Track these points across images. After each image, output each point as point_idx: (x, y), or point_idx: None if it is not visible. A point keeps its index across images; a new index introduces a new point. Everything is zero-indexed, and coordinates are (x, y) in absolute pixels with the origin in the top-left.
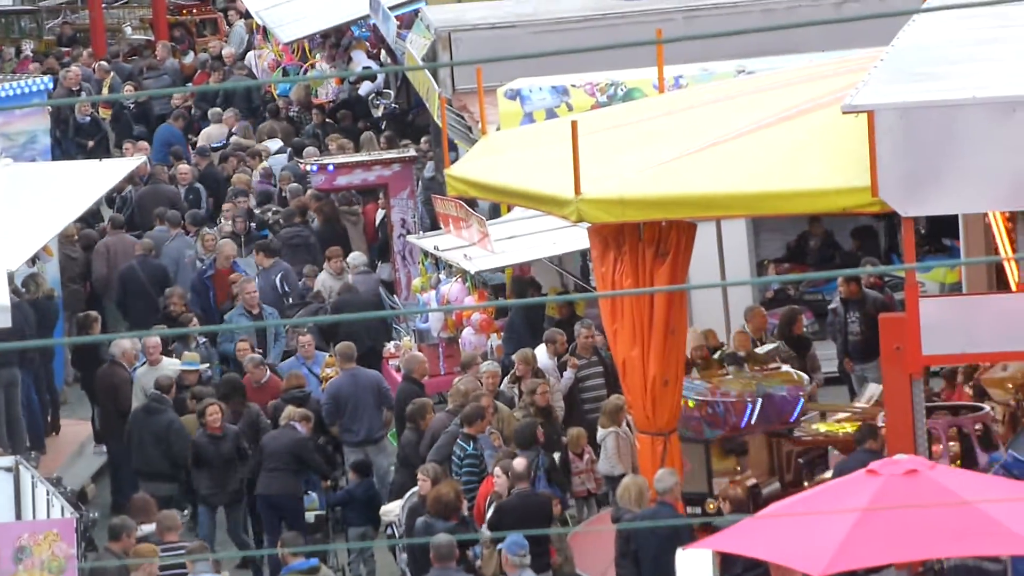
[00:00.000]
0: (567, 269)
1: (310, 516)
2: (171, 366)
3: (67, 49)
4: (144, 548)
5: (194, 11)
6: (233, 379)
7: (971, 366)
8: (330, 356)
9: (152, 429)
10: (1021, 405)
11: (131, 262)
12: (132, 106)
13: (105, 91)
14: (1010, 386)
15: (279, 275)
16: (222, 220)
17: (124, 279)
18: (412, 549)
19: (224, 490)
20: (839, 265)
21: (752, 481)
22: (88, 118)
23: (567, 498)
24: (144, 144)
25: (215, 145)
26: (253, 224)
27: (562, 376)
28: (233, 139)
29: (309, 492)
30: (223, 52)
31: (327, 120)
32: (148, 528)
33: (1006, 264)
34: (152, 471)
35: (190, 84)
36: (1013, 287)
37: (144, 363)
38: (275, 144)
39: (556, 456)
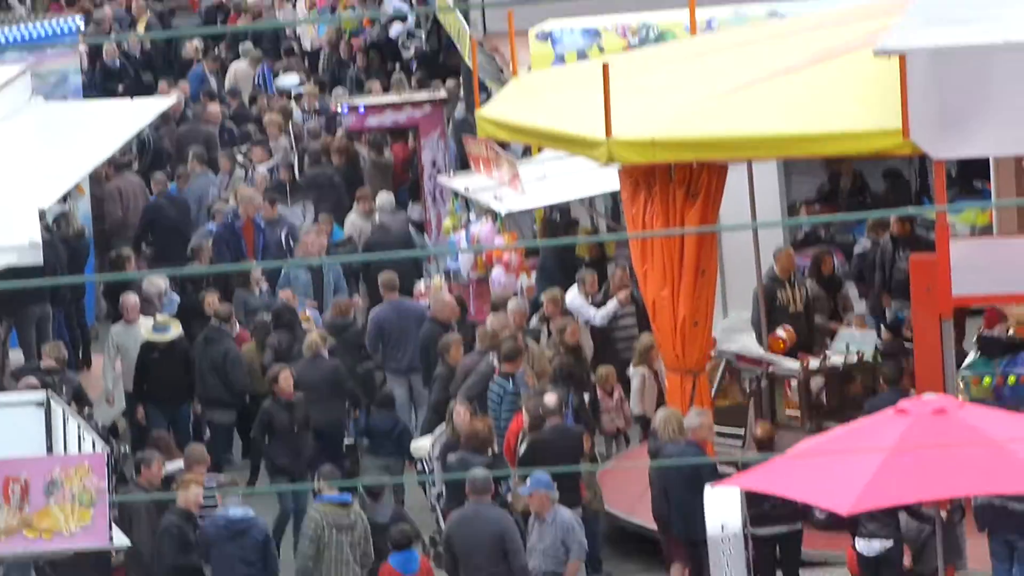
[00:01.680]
0: (597, 210)
1: None
2: (145, 325)
3: None
4: (190, 478)
5: None
6: (289, 308)
7: None
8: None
9: (211, 358)
10: None
11: (158, 199)
12: (139, 55)
13: (140, 29)
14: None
15: (285, 230)
16: (257, 166)
17: (151, 215)
18: (448, 483)
19: (300, 458)
20: (870, 207)
21: None
22: (117, 62)
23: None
24: (185, 85)
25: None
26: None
27: (596, 309)
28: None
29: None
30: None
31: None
32: (173, 466)
33: None
34: (212, 398)
35: (226, 25)
36: None
37: (120, 320)
38: (292, 79)
39: (585, 396)
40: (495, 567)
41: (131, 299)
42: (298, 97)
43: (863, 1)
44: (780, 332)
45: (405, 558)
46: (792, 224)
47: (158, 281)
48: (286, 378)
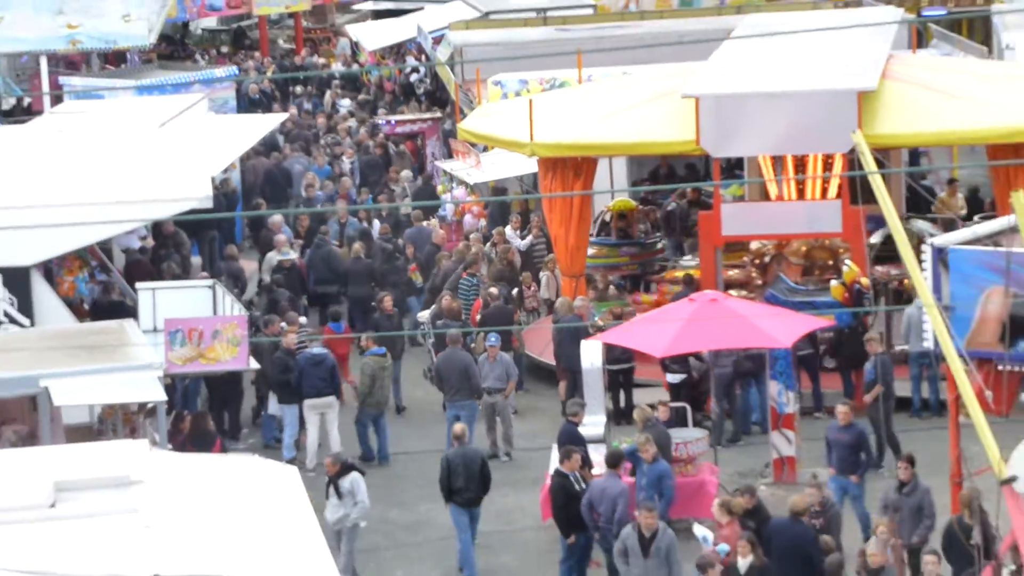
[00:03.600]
0: (525, 182)
1: None
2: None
3: (244, 51)
4: (289, 329)
5: (318, 32)
6: (365, 230)
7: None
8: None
9: (321, 255)
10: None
11: (272, 169)
12: (269, 90)
13: (268, 73)
14: (803, 249)
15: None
16: (343, 159)
17: (265, 174)
18: (436, 336)
19: (395, 346)
20: (677, 183)
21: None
22: (258, 95)
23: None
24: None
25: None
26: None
27: (521, 240)
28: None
29: None
30: (337, 57)
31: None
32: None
33: (767, 184)
34: (322, 280)
35: (322, 70)
36: (773, 198)
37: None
38: (346, 103)
39: (515, 289)
40: (463, 384)
41: (281, 238)
42: (351, 114)
43: (677, 66)
44: None
45: (338, 326)
46: (633, 191)
47: (277, 218)
48: (387, 301)
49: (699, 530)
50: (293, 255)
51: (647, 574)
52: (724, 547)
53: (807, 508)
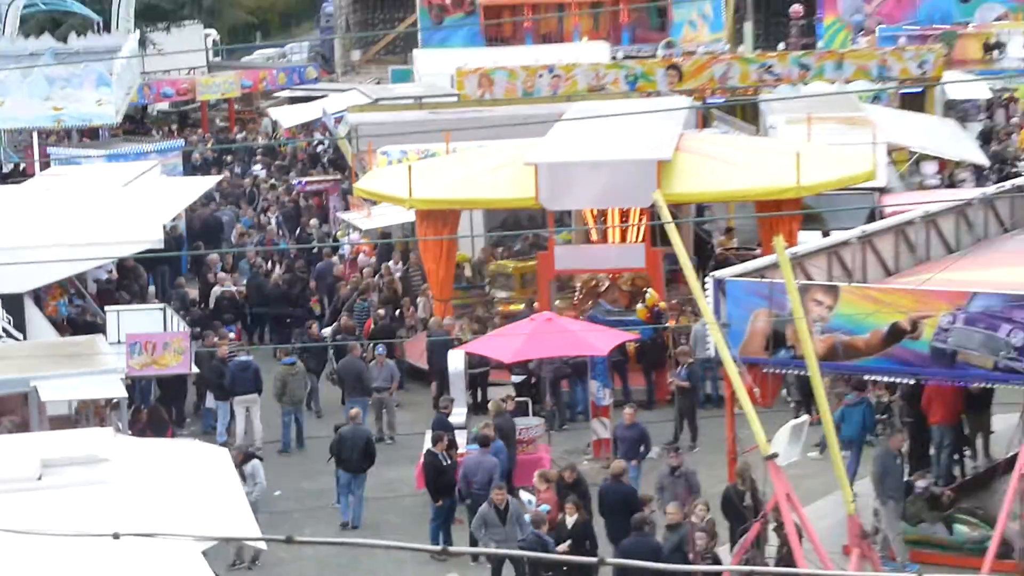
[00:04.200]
0: (405, 228)
1: None
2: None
3: (189, 128)
4: (221, 342)
5: (246, 113)
6: (289, 262)
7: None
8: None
9: (255, 284)
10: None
11: (208, 218)
12: (210, 158)
13: (209, 145)
14: (629, 283)
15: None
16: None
17: (204, 222)
18: (336, 348)
19: (318, 364)
20: (524, 229)
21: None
22: (200, 162)
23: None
24: (227, 173)
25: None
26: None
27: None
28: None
29: None
30: (261, 132)
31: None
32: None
33: (592, 231)
34: (258, 306)
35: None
36: (593, 241)
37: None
38: (259, 168)
39: (398, 311)
40: (357, 385)
41: (222, 275)
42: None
43: (521, 141)
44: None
45: (231, 328)
46: (489, 234)
47: (213, 256)
48: (314, 327)
49: (524, 495)
50: (232, 288)
51: (507, 537)
52: (545, 507)
53: (624, 470)
